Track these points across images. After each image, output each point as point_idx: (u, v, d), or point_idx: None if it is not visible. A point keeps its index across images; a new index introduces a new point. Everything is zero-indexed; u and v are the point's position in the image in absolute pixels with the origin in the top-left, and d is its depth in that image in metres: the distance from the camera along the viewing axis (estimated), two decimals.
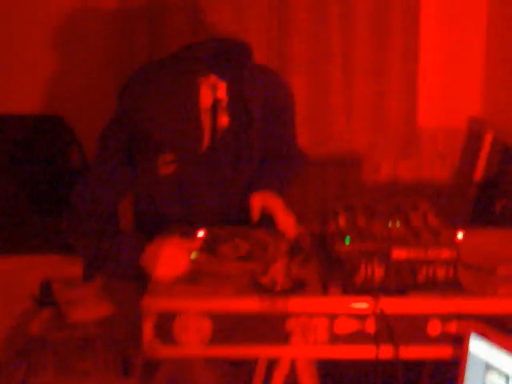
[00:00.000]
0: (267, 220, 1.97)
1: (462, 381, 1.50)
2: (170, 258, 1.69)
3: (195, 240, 1.82)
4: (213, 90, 1.86)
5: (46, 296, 2.28)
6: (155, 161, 1.83)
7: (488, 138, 3.18)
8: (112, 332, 2.06)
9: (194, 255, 1.73)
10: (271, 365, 1.73)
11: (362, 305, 1.54)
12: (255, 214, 1.97)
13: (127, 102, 1.79)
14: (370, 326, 1.54)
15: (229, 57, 1.98)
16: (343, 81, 3.35)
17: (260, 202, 1.97)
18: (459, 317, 1.53)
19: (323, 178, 3.46)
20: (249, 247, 1.81)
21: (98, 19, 3.30)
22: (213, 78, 1.87)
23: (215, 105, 1.87)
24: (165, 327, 1.53)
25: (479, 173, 3.18)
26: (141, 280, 1.71)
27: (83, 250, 1.90)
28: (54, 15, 3.28)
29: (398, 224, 1.72)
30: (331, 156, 3.43)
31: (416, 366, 1.76)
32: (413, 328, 1.54)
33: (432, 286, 1.58)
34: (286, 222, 1.92)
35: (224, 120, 1.92)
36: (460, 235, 1.85)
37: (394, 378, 1.51)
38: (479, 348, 1.46)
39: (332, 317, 1.54)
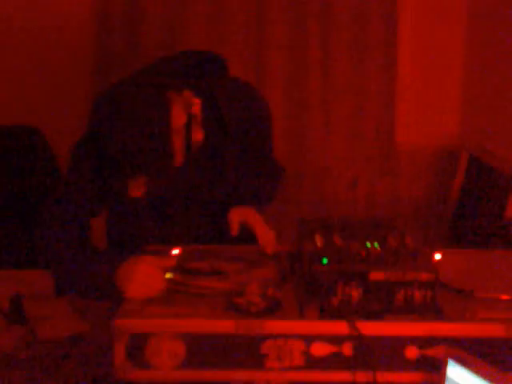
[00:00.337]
0: (246, 235, 1.94)
1: None
2: (145, 277, 1.65)
3: (170, 258, 1.78)
4: (187, 107, 1.84)
5: (15, 312, 2.22)
6: (126, 183, 1.80)
7: (464, 157, 3.19)
8: (84, 350, 2.01)
9: (169, 274, 1.70)
10: None
11: (339, 328, 1.51)
12: (234, 229, 1.94)
13: (96, 124, 1.76)
14: (347, 350, 1.51)
15: (204, 70, 1.96)
16: (321, 96, 3.35)
17: (239, 217, 1.95)
18: (437, 341, 1.51)
19: (300, 194, 3.45)
20: (226, 265, 1.78)
21: (74, 28, 3.26)
22: (187, 94, 1.84)
23: (189, 121, 1.84)
24: (137, 349, 1.49)
25: (455, 191, 3.18)
26: (114, 300, 1.67)
27: (54, 266, 1.86)
28: (28, 23, 3.24)
29: (375, 245, 1.70)
30: (308, 171, 3.43)
31: None
32: (390, 352, 1.52)
33: (410, 309, 1.56)
34: (266, 237, 1.90)
35: (198, 136, 1.90)
36: (438, 256, 1.85)
37: None
38: (457, 374, 1.44)
39: (308, 339, 1.51)
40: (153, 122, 1.73)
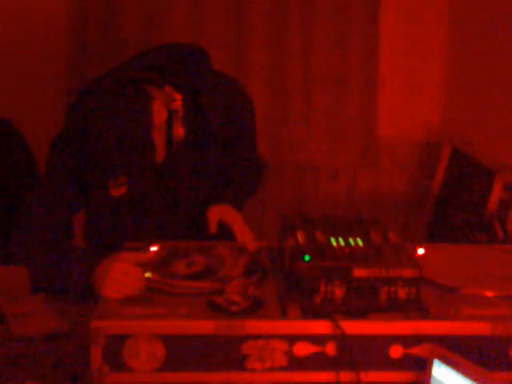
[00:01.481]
0: (225, 233, 1.92)
1: None
2: (121, 274, 1.61)
3: (147, 254, 1.75)
4: (167, 102, 1.81)
5: None
6: (106, 182, 1.76)
7: (446, 149, 3.18)
8: (61, 348, 1.97)
9: (148, 274, 1.66)
10: None
11: (322, 327, 1.48)
12: (212, 227, 1.92)
13: (74, 123, 1.73)
14: (331, 349, 1.48)
15: (185, 64, 1.92)
16: (302, 88, 3.32)
17: (217, 215, 1.93)
18: (422, 339, 1.49)
19: (281, 186, 3.43)
20: (206, 264, 1.75)
21: (50, 20, 3.22)
22: (168, 90, 1.81)
23: (170, 117, 1.82)
24: (114, 351, 1.45)
25: (437, 183, 3.17)
26: (91, 300, 1.63)
27: (30, 264, 1.83)
28: (2, 15, 3.18)
29: (358, 241, 1.67)
30: (289, 163, 3.40)
31: None
32: (374, 351, 1.49)
33: (394, 306, 1.54)
34: (244, 235, 1.87)
35: (180, 132, 1.88)
36: (421, 251, 1.83)
37: None
38: (443, 374, 1.42)
39: (291, 339, 1.48)
40: (133, 119, 1.71)
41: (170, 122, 1.84)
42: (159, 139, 1.81)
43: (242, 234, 1.88)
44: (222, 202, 1.96)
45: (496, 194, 2.59)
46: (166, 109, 1.81)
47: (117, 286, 1.60)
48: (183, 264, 1.74)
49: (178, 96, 1.85)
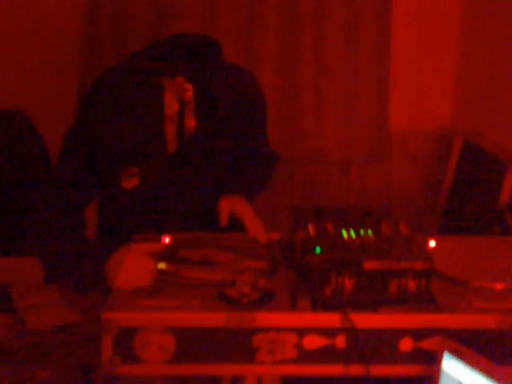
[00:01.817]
0: (236, 225, 1.91)
1: None
2: (134, 265, 1.62)
3: (159, 245, 1.75)
4: (179, 94, 1.80)
5: (3, 301, 2.20)
6: (118, 174, 1.76)
7: (458, 142, 3.16)
8: (73, 340, 1.99)
9: (160, 265, 1.66)
10: (236, 380, 1.67)
11: (332, 320, 1.48)
12: (224, 218, 1.92)
13: (87, 114, 1.73)
14: (341, 342, 1.48)
15: (197, 55, 1.92)
16: (314, 81, 3.31)
17: (228, 206, 1.92)
18: (432, 332, 1.49)
19: (292, 179, 3.42)
20: (217, 256, 1.75)
21: (63, 12, 3.22)
22: (179, 80, 1.81)
23: (182, 108, 1.81)
24: (125, 343, 1.46)
25: (450, 176, 3.16)
26: (102, 291, 1.63)
27: (43, 255, 1.83)
28: (15, 8, 3.18)
29: (369, 233, 1.67)
30: (300, 156, 3.39)
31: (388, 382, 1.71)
32: (384, 344, 1.49)
33: (404, 299, 1.54)
34: (255, 227, 1.87)
35: (191, 123, 1.87)
36: (432, 243, 1.82)
37: None
38: (453, 367, 1.41)
39: (301, 332, 1.48)
40: (145, 110, 1.70)
41: (181, 114, 1.83)
42: (171, 130, 1.81)
43: (253, 227, 1.88)
44: (233, 193, 1.96)
45: (508, 185, 2.57)
46: (177, 100, 1.81)
47: (129, 277, 1.60)
48: (195, 256, 1.75)
49: (190, 87, 1.84)
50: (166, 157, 1.82)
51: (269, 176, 2.22)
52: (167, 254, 1.73)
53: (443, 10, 3.36)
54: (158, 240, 1.80)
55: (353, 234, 1.65)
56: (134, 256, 1.63)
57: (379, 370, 1.48)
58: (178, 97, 1.81)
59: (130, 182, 1.79)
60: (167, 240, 1.80)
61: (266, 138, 2.17)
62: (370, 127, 3.35)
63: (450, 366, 1.42)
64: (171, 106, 1.78)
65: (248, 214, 1.90)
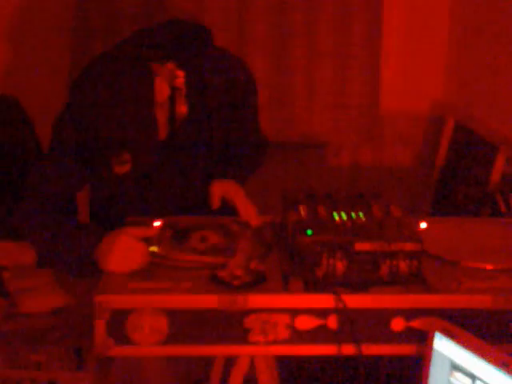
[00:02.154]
0: (227, 209, 1.92)
1: (427, 378, 1.46)
2: (126, 249, 1.61)
3: (151, 229, 1.75)
4: (170, 80, 1.80)
5: None
6: (109, 159, 1.76)
7: (450, 123, 3.17)
8: (66, 323, 1.99)
9: (152, 248, 1.66)
10: (229, 361, 1.68)
11: (324, 301, 1.49)
12: (215, 202, 1.92)
13: (77, 100, 1.73)
14: (332, 322, 1.49)
15: (188, 41, 1.92)
16: (305, 63, 3.30)
17: (220, 190, 1.93)
18: (423, 312, 1.50)
19: (284, 161, 3.42)
20: (209, 239, 1.76)
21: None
22: (170, 66, 1.81)
23: (173, 94, 1.81)
24: (118, 325, 1.46)
25: (441, 158, 3.17)
26: (95, 274, 1.64)
27: (34, 239, 1.83)
28: None
29: (360, 215, 1.68)
30: (292, 139, 3.40)
31: (380, 360, 1.73)
32: (376, 324, 1.50)
33: (395, 280, 1.55)
34: (248, 210, 1.88)
35: (183, 109, 1.87)
36: (423, 225, 1.83)
37: (356, 373, 1.48)
38: (444, 346, 1.43)
39: (293, 313, 1.49)
40: (136, 96, 1.70)
41: (172, 100, 1.83)
42: (162, 116, 1.81)
43: (245, 210, 1.89)
44: (224, 177, 1.97)
45: (499, 167, 2.58)
46: (168, 86, 1.81)
47: (122, 260, 1.60)
48: (187, 239, 1.75)
49: (181, 73, 1.84)
50: (158, 142, 1.82)
51: (260, 160, 2.23)
52: (159, 238, 1.73)
53: None
54: (150, 224, 1.81)
55: (344, 216, 1.66)
56: (127, 239, 1.63)
57: (371, 350, 1.50)
58: (169, 83, 1.81)
59: (121, 168, 1.79)
60: (158, 224, 1.81)
61: (257, 123, 2.17)
62: (361, 109, 3.35)
63: (442, 345, 1.43)
64: (162, 92, 1.78)
65: (240, 197, 1.91)
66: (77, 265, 1.71)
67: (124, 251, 1.61)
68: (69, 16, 3.20)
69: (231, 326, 1.48)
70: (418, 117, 3.43)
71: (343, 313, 1.48)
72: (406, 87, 3.39)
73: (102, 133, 1.71)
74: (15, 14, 3.22)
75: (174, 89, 1.83)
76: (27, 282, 2.16)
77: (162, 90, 1.78)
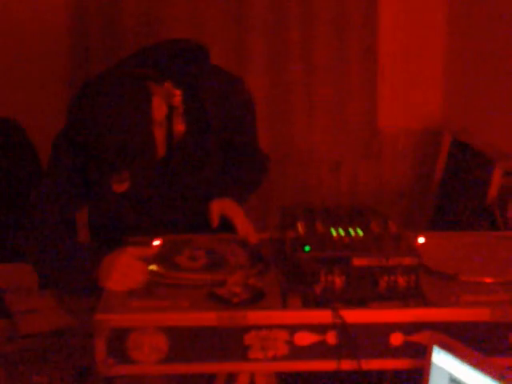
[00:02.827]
0: (226, 227, 1.93)
1: None
2: (126, 268, 1.63)
3: (151, 248, 1.76)
4: (167, 99, 1.82)
5: None
6: (108, 179, 1.77)
7: (447, 138, 3.18)
8: (68, 343, 2.00)
9: (151, 267, 1.67)
10: (231, 376, 1.68)
11: (322, 316, 1.49)
12: (215, 220, 1.93)
13: (75, 120, 1.73)
14: (331, 338, 1.50)
15: (184, 60, 1.93)
16: (303, 80, 3.33)
17: (219, 208, 1.94)
18: (422, 326, 1.50)
19: (283, 178, 3.43)
20: (208, 257, 1.76)
21: (51, 16, 3.23)
22: (167, 86, 1.82)
23: (171, 113, 1.82)
24: (118, 344, 1.47)
25: (439, 173, 3.18)
26: (95, 294, 1.65)
27: (36, 262, 1.85)
28: (3, 14, 3.19)
29: (358, 231, 1.69)
30: (291, 156, 3.41)
31: (379, 374, 1.73)
32: (375, 339, 1.50)
33: (393, 295, 1.55)
34: (246, 228, 1.89)
35: (180, 127, 1.89)
36: (421, 240, 1.84)
37: None
38: (443, 360, 1.43)
39: (292, 329, 1.49)
40: (134, 115, 1.71)
41: (170, 118, 1.84)
42: (160, 135, 1.81)
43: (243, 228, 1.89)
44: (224, 196, 1.98)
45: (496, 181, 2.59)
46: (166, 105, 1.82)
47: (122, 278, 1.62)
48: (186, 258, 1.76)
49: (178, 92, 1.86)
50: (156, 161, 1.82)
51: (259, 178, 2.22)
52: (159, 257, 1.74)
53: (430, 7, 3.37)
54: (150, 243, 1.82)
55: (342, 232, 1.67)
56: (127, 258, 1.65)
57: (370, 365, 1.50)
58: (166, 101, 1.82)
59: (120, 186, 1.79)
60: (158, 243, 1.82)
61: (255, 140, 2.17)
62: (359, 126, 3.36)
63: (440, 358, 1.44)
64: (160, 111, 1.79)
65: (238, 215, 1.92)
66: (78, 283, 1.72)
67: (124, 270, 1.63)
68: (67, 37, 3.22)
69: (231, 343, 1.48)
70: (415, 132, 3.45)
71: (342, 328, 1.48)
72: (403, 102, 3.41)
73: (101, 151, 1.71)
74: (12, 36, 3.24)
75: (171, 107, 1.84)
76: (28, 304, 2.17)
77: (159, 108, 1.79)
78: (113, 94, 1.71)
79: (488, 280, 1.64)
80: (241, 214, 1.92)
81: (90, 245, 2.01)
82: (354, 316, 1.49)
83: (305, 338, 1.50)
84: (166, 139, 1.84)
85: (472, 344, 1.44)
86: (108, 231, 2.04)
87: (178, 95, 1.86)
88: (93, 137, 1.70)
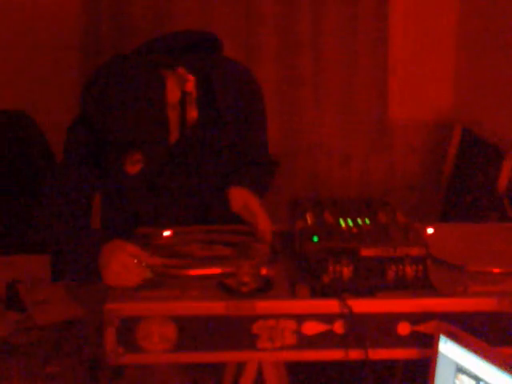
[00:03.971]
0: (234, 217, 1.93)
1: (433, 380, 1.47)
2: (120, 267, 1.60)
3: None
4: (181, 83, 1.82)
5: (12, 298, 2.23)
6: (122, 160, 1.76)
7: (458, 130, 3.17)
8: (79, 334, 2.02)
9: (162, 260, 1.67)
10: (240, 366, 1.70)
11: (330, 306, 1.50)
12: (236, 205, 1.90)
13: (90, 102, 1.73)
14: (339, 328, 1.51)
15: (198, 50, 1.94)
16: (313, 72, 3.32)
17: (242, 196, 1.90)
18: (429, 316, 1.51)
19: (293, 170, 3.43)
20: (217, 250, 1.77)
21: (62, 9, 3.24)
22: (181, 71, 1.82)
23: (184, 98, 1.82)
24: (128, 333, 1.49)
25: (449, 165, 3.17)
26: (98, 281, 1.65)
27: (51, 247, 1.84)
28: (14, 4, 3.21)
29: (366, 221, 1.69)
30: (301, 149, 3.41)
31: (387, 364, 1.73)
32: (382, 328, 1.51)
33: (401, 285, 1.56)
34: (266, 226, 1.85)
35: (193, 114, 1.88)
36: (430, 231, 1.84)
37: (364, 377, 1.49)
38: (449, 349, 1.44)
39: (300, 319, 1.50)
40: (147, 95, 1.70)
41: (183, 104, 1.84)
42: (173, 119, 1.81)
43: (264, 227, 1.84)
44: (242, 185, 1.94)
45: (506, 173, 2.59)
46: (179, 89, 1.81)
47: (116, 277, 1.60)
48: (196, 250, 1.77)
49: (191, 77, 1.85)
50: (168, 145, 1.82)
51: (269, 181, 2.19)
52: (168, 249, 1.75)
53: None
54: (159, 234, 1.83)
55: (350, 223, 1.68)
56: (122, 257, 1.61)
57: (377, 354, 1.51)
58: (179, 86, 1.82)
59: (133, 168, 1.78)
60: (168, 233, 1.83)
61: (265, 131, 2.17)
62: (369, 118, 3.35)
63: (447, 348, 1.44)
64: (173, 94, 1.78)
65: (261, 212, 1.86)
66: (80, 268, 1.71)
67: (118, 270, 1.60)
68: (79, 30, 3.23)
69: (239, 333, 1.50)
70: (426, 124, 3.44)
71: (349, 318, 1.49)
72: (413, 95, 3.40)
73: (114, 132, 1.71)
74: (24, 29, 3.26)
75: (184, 93, 1.84)
76: (41, 295, 2.19)
77: (173, 91, 1.78)
78: (126, 76, 1.71)
79: (496, 270, 1.64)
80: (263, 210, 1.87)
81: (96, 231, 1.98)
82: (361, 306, 1.50)
83: (313, 328, 1.51)
84: (179, 124, 1.84)
85: (479, 334, 1.45)
86: (120, 218, 2.03)
87: (191, 80, 1.85)
88: (106, 117, 1.69)
